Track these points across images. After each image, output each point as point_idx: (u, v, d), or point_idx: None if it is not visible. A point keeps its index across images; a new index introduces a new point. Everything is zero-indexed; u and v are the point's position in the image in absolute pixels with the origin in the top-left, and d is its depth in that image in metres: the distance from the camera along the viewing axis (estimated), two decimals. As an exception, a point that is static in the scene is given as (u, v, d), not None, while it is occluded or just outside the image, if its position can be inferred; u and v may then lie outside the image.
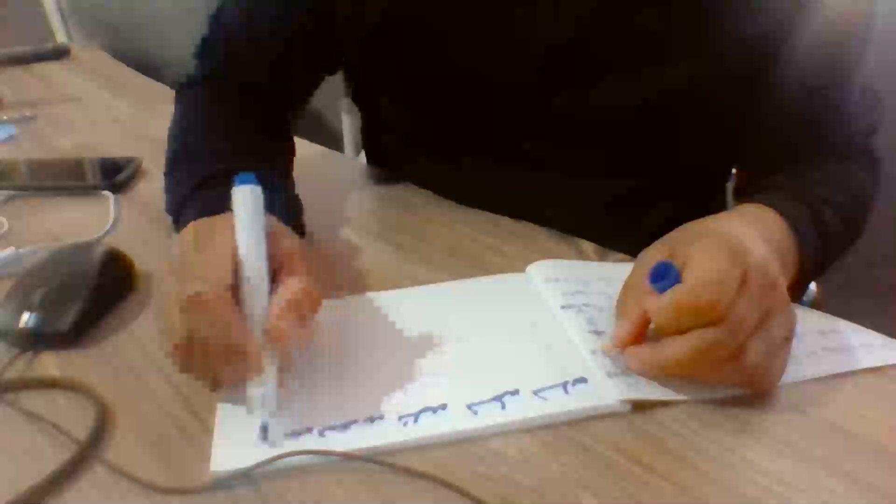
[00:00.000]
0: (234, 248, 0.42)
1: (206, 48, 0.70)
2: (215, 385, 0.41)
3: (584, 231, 0.62)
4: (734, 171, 0.75)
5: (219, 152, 0.59)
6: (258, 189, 0.44)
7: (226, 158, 0.57)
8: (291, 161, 0.67)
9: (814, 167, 0.60)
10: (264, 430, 0.39)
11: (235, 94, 0.67)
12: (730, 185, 0.77)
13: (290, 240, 0.46)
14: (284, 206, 0.53)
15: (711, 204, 0.72)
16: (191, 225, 0.46)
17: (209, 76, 0.70)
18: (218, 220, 0.45)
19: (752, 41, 0.56)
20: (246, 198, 0.43)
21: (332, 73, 0.73)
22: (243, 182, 0.44)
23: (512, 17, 0.59)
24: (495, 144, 0.67)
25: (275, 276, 0.43)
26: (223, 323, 0.39)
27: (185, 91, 0.70)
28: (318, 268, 0.45)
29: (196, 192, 0.54)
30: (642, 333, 0.43)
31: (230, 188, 0.44)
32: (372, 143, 0.83)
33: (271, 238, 0.44)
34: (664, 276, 0.41)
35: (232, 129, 0.64)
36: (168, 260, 0.44)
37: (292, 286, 0.42)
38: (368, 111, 0.81)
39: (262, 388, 0.39)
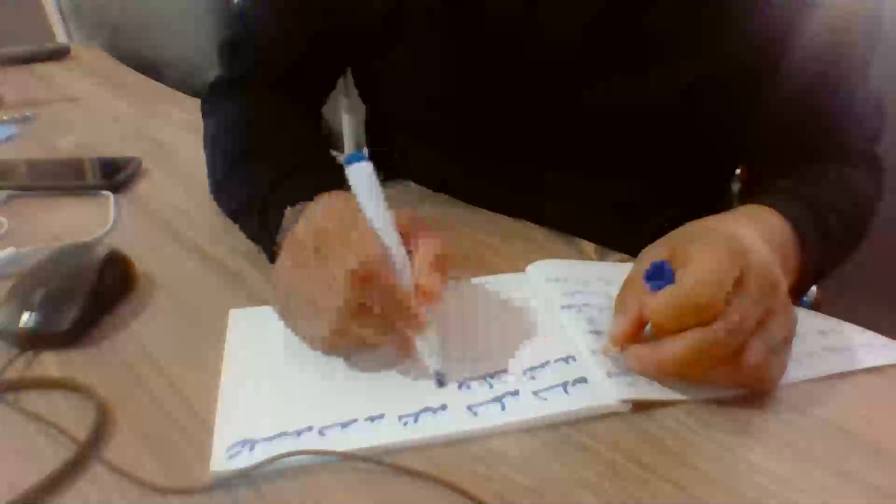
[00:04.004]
0: (368, 221, 0.44)
1: (234, 49, 0.70)
2: (377, 344, 0.45)
3: (587, 231, 0.62)
4: (738, 173, 0.75)
5: (293, 144, 0.62)
6: (371, 165, 0.45)
7: (302, 148, 0.62)
8: None
9: (818, 172, 0.60)
10: (439, 377, 0.43)
11: (275, 93, 0.68)
12: (734, 190, 0.77)
13: (402, 210, 0.47)
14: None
15: (715, 207, 0.72)
16: (312, 207, 0.48)
17: (241, 77, 0.70)
18: (336, 198, 0.48)
19: (759, 42, 0.56)
20: (364, 174, 0.45)
21: (351, 66, 0.75)
22: (355, 160, 0.45)
23: (521, 12, 0.59)
24: (504, 141, 0.67)
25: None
26: (390, 287, 0.42)
27: (219, 93, 0.71)
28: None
29: (287, 181, 0.55)
30: (640, 330, 0.43)
31: (321, 174, 0.52)
32: (377, 138, 0.83)
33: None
34: (659, 276, 0.41)
35: (292, 124, 0.66)
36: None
37: (431, 248, 0.45)
38: (375, 105, 0.81)
39: (427, 340, 0.43)
